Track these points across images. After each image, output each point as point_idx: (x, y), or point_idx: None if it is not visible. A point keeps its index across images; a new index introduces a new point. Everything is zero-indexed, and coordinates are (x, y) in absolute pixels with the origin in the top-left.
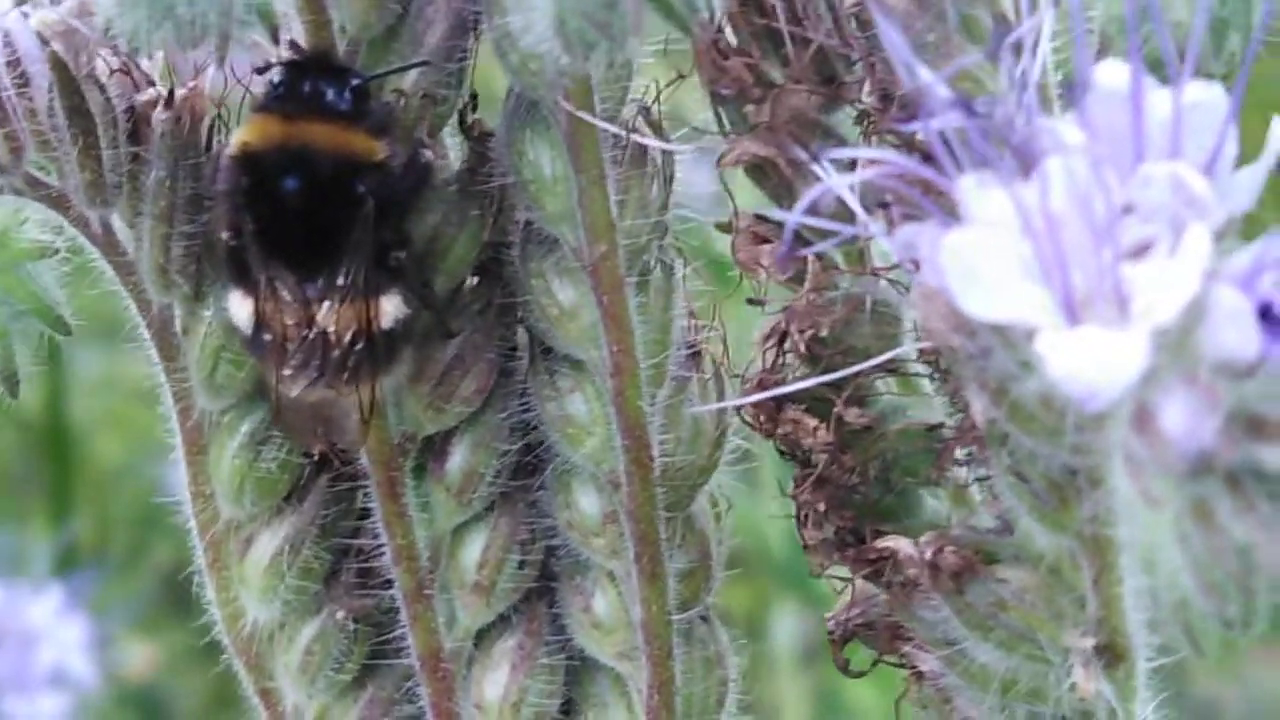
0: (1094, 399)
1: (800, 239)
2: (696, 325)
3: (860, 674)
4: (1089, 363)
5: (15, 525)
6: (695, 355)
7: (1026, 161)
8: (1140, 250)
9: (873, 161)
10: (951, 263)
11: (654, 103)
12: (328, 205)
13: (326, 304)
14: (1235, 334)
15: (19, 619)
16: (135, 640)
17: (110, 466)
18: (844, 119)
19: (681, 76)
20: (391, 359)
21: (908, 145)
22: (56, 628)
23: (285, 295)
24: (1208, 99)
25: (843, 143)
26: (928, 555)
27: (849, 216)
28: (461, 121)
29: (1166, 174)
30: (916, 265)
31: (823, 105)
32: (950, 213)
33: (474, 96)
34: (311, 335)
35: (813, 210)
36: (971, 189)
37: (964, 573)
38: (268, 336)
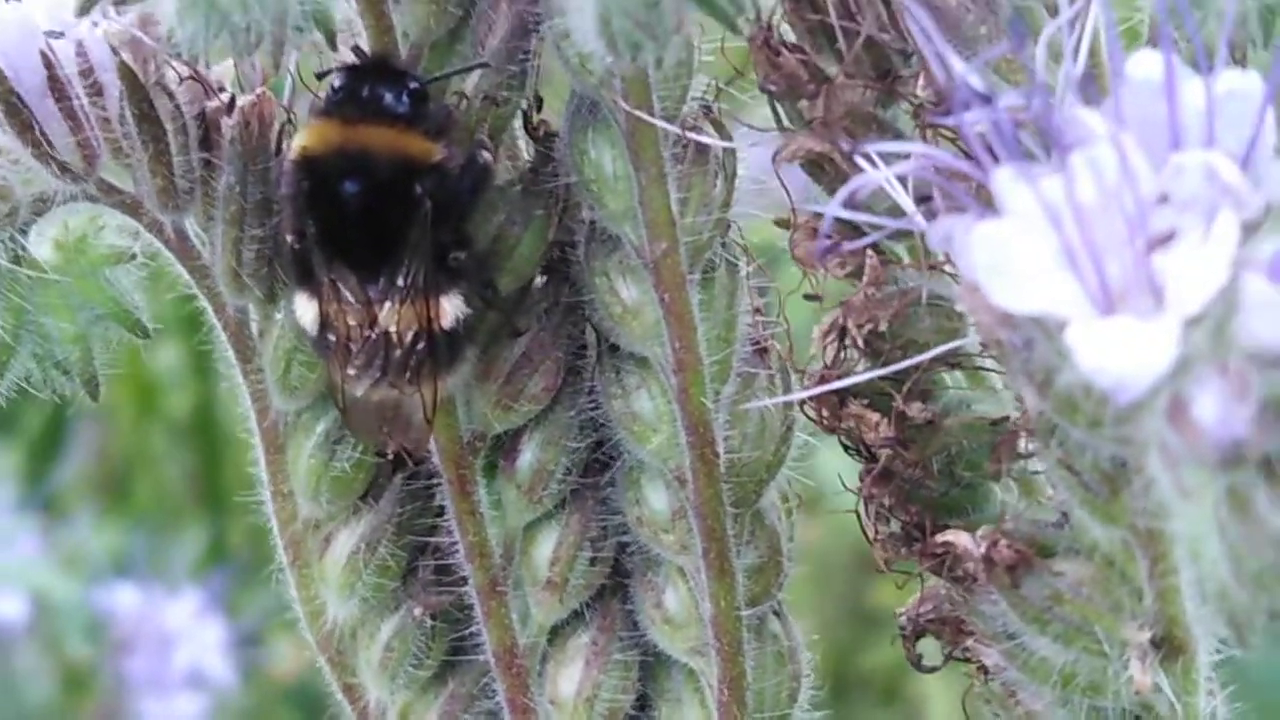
0: (1124, 390)
1: (856, 233)
2: (762, 322)
3: (933, 669)
4: (1118, 353)
5: (166, 528)
6: (761, 351)
7: (1061, 153)
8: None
9: (909, 154)
10: (980, 254)
11: (714, 100)
12: (386, 207)
13: (388, 304)
14: (1266, 323)
15: (157, 621)
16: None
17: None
18: (901, 114)
19: (740, 74)
20: (454, 358)
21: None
22: (195, 629)
23: (348, 296)
24: (1243, 87)
25: (899, 137)
26: (982, 549)
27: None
28: (526, 122)
29: (1199, 163)
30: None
31: (878, 100)
32: (992, 205)
33: (538, 98)
34: (374, 335)
35: (864, 204)
36: (1006, 181)
37: (1019, 566)
38: (332, 337)
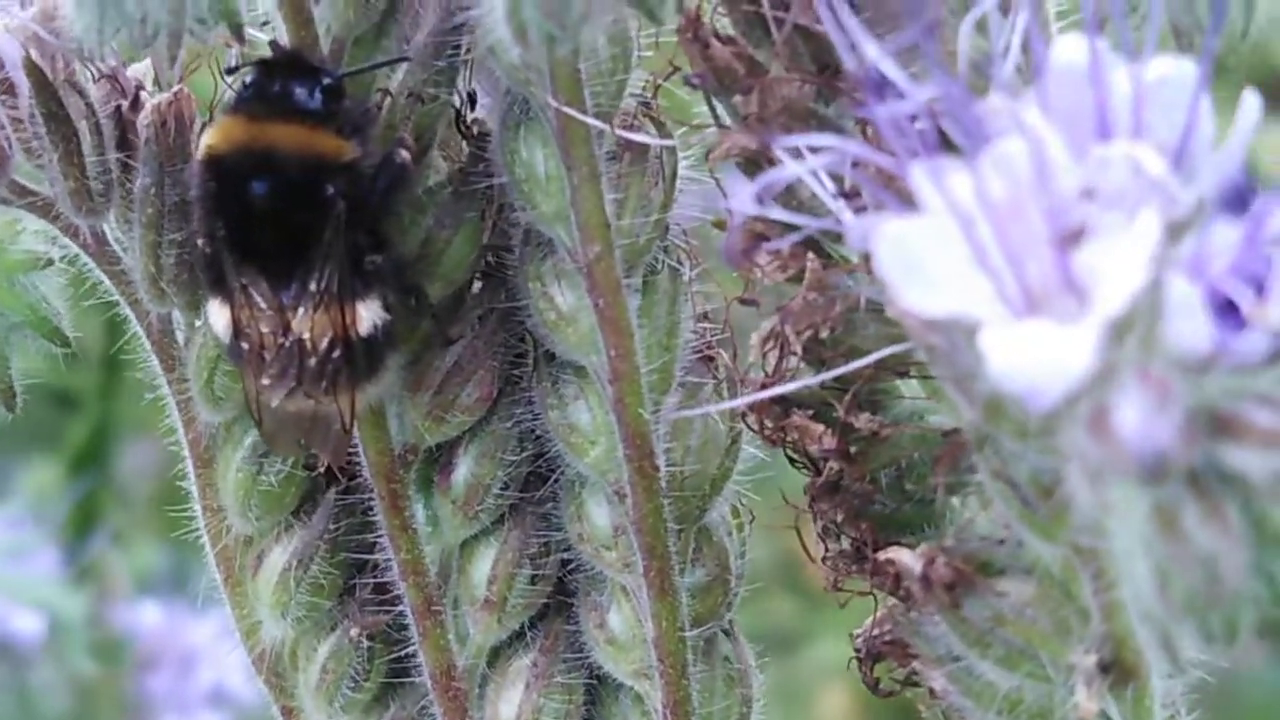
0: (1038, 397)
1: (792, 232)
2: (707, 329)
3: (890, 694)
4: (1029, 358)
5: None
6: (706, 360)
7: (980, 145)
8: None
9: (823, 147)
10: (890, 254)
11: (652, 97)
12: (296, 208)
13: (301, 310)
14: (1186, 325)
15: (179, 639)
16: None
17: None
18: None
19: (676, 69)
20: (374, 367)
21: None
22: (216, 648)
23: (260, 302)
24: (1175, 74)
25: (841, 134)
26: (918, 567)
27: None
28: (458, 120)
29: (1123, 155)
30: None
31: (818, 94)
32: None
33: (472, 95)
34: (288, 343)
35: (806, 204)
36: (920, 178)
37: (958, 585)
38: (245, 345)
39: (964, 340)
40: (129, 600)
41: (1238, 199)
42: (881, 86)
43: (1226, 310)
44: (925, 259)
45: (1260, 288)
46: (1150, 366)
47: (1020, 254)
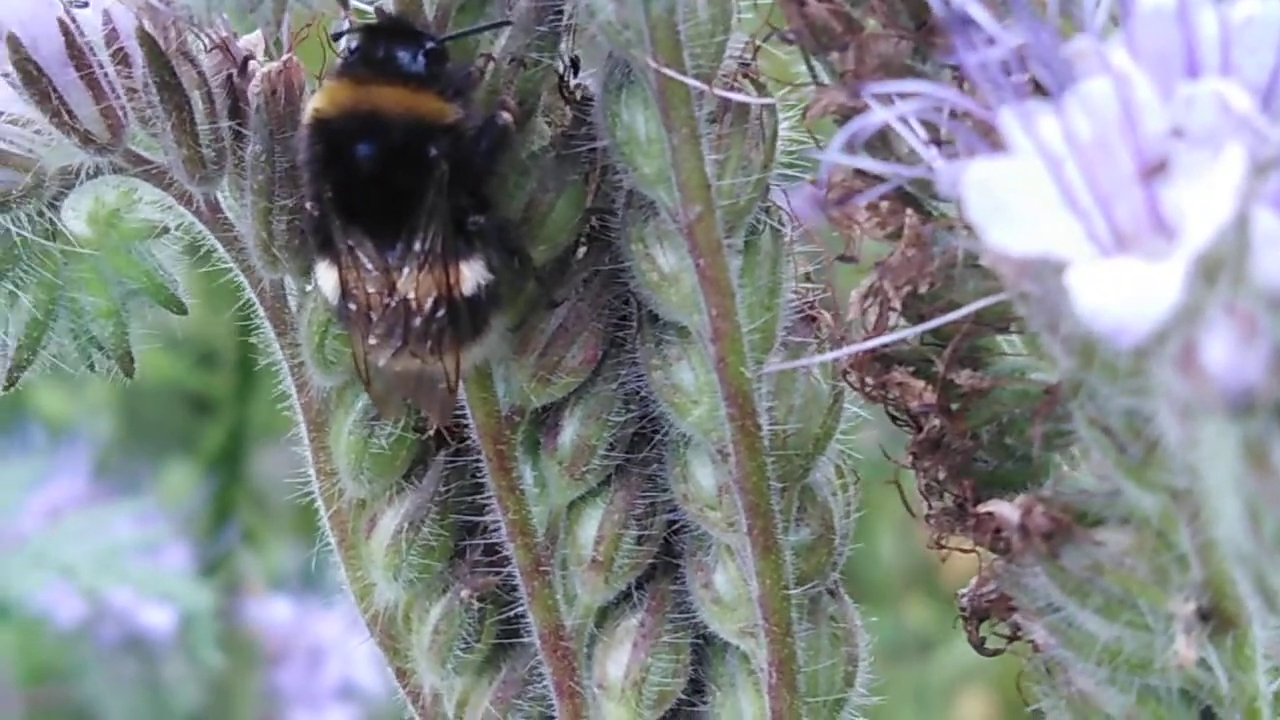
0: (1125, 334)
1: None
2: (810, 289)
3: (996, 652)
4: (1118, 295)
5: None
6: (809, 320)
7: (1068, 88)
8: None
9: (912, 94)
10: (977, 196)
11: (752, 58)
12: (400, 169)
13: (406, 270)
14: (1274, 260)
15: (308, 634)
16: None
17: None
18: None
19: (775, 30)
20: (478, 327)
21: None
22: (345, 642)
23: (366, 263)
24: (1261, 14)
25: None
26: (1016, 517)
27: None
28: (561, 85)
29: (1209, 93)
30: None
31: (915, 51)
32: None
33: (575, 60)
34: (393, 303)
35: (895, 157)
36: (1009, 122)
37: (1056, 534)
38: (352, 306)
39: (1055, 284)
40: (260, 597)
41: None
42: (970, 32)
43: None
44: (1012, 200)
45: None
46: (1238, 301)
47: (1109, 194)
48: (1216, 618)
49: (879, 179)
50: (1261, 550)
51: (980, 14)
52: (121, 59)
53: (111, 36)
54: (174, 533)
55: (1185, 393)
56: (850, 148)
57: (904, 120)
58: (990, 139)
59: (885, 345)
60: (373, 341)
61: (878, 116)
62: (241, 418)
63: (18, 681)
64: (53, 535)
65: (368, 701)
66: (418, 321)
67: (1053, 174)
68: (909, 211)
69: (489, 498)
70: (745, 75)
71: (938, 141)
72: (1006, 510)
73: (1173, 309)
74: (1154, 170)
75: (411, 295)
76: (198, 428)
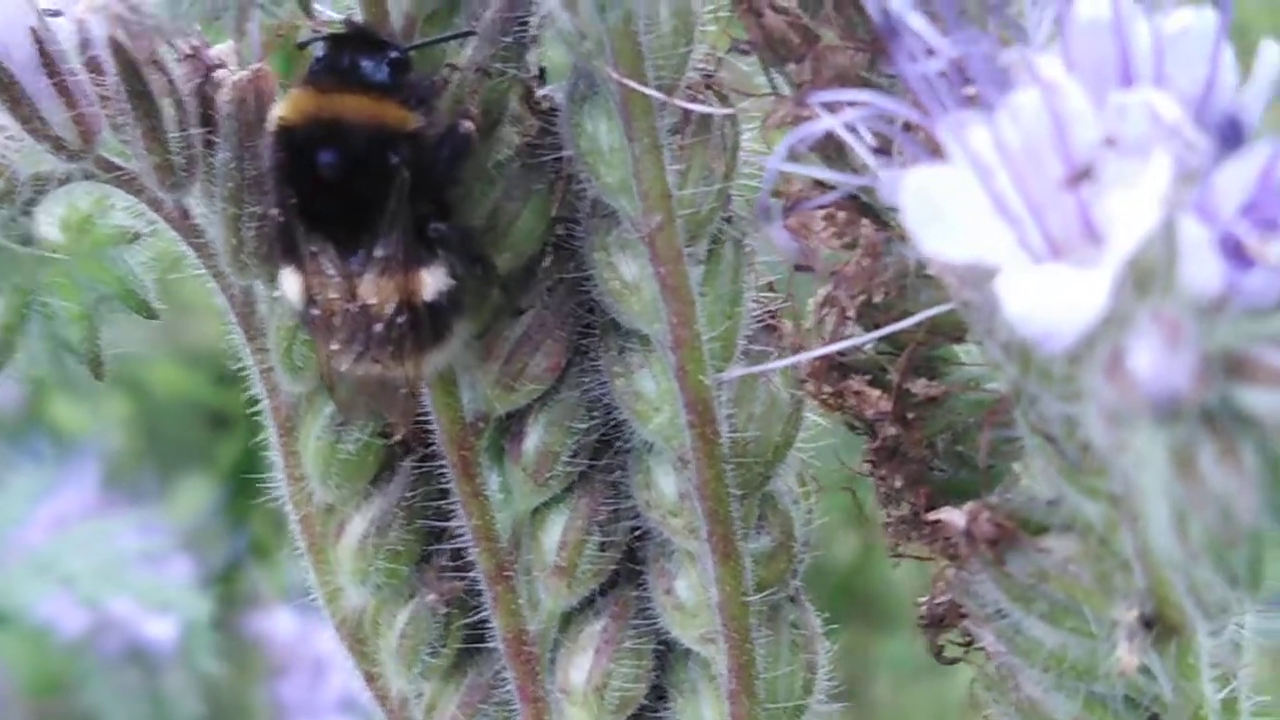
0: (1053, 339)
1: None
2: (771, 298)
3: (953, 661)
4: (1045, 301)
5: None
6: (770, 329)
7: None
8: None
9: (858, 103)
10: (913, 202)
11: (715, 69)
12: (362, 177)
13: (367, 276)
14: (1199, 267)
15: (311, 647)
16: None
17: None
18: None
19: (735, 42)
20: (440, 334)
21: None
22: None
23: (329, 269)
24: (1195, 25)
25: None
26: (963, 524)
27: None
28: (527, 95)
29: (1140, 102)
30: None
31: (871, 63)
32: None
33: (542, 71)
34: (355, 309)
35: (850, 168)
36: (946, 131)
37: (1001, 541)
38: (315, 311)
39: (991, 291)
40: (263, 609)
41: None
42: (911, 43)
43: (1241, 254)
44: (948, 208)
45: (1273, 231)
46: (1164, 308)
47: (1041, 203)
48: (1160, 625)
49: (835, 188)
50: (1189, 555)
51: (920, 24)
52: (94, 67)
53: (84, 45)
54: (180, 545)
55: (1113, 398)
56: (805, 157)
57: (851, 129)
58: (935, 150)
59: (842, 354)
60: (335, 347)
61: (822, 124)
62: (257, 433)
63: (22, 692)
64: (56, 546)
65: (369, 714)
66: (379, 327)
67: (983, 183)
68: (864, 221)
69: (454, 504)
70: (708, 86)
71: (889, 152)
72: (954, 517)
73: (1099, 315)
74: (1079, 178)
75: (372, 301)
76: (215, 443)
